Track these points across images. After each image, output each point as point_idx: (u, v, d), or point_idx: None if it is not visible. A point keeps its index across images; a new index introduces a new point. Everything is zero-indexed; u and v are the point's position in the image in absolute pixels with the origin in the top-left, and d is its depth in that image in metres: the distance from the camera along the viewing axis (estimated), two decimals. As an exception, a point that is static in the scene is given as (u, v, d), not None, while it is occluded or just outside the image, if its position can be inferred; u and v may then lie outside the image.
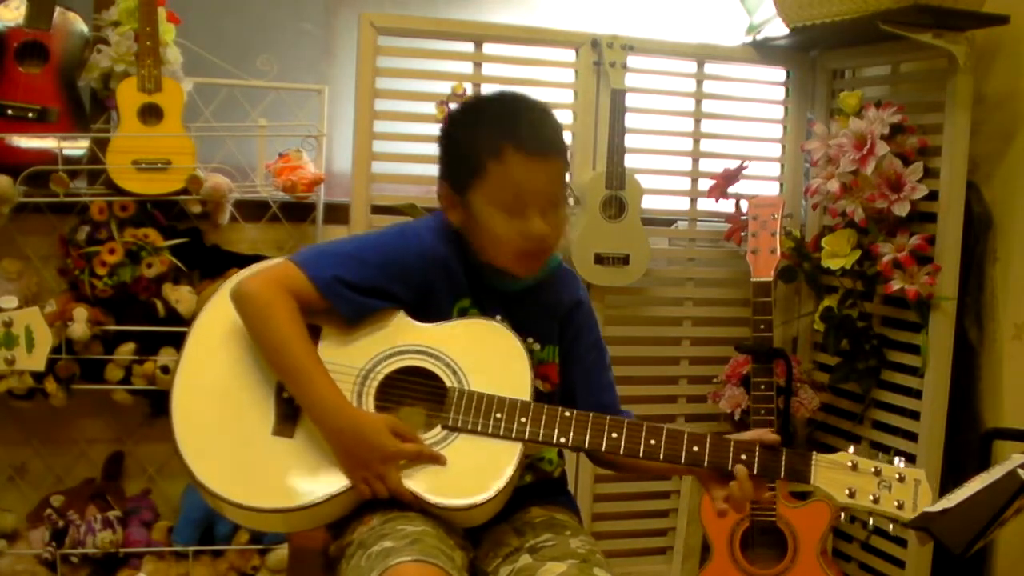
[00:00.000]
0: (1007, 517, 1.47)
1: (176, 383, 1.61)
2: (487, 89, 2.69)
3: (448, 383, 1.59)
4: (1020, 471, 1.46)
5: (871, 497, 1.50)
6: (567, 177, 1.68)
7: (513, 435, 1.55)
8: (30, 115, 2.36)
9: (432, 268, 1.63)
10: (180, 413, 1.58)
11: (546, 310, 1.71)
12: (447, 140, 1.67)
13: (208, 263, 2.58)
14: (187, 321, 2.43)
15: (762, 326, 2.46)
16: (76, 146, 2.42)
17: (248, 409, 1.58)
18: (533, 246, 1.59)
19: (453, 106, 2.60)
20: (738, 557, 2.49)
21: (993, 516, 1.44)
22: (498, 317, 1.66)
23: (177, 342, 2.43)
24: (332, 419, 1.54)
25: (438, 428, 1.57)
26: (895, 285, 2.52)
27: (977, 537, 1.43)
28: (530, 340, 1.68)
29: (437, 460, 1.54)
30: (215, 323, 1.64)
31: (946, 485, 1.52)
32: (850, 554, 2.82)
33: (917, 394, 2.59)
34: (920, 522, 1.46)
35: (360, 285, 1.59)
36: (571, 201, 1.69)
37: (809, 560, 2.45)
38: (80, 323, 2.37)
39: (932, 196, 2.52)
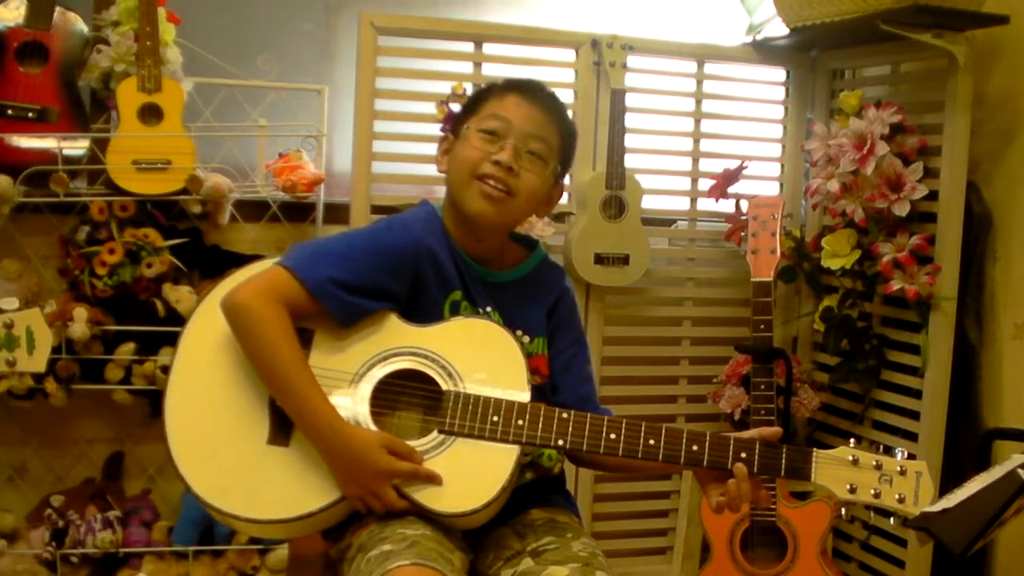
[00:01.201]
0: (1007, 517, 1.47)
1: (169, 392, 1.59)
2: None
3: (443, 386, 1.58)
4: (1020, 471, 1.46)
5: (872, 492, 1.49)
6: (558, 147, 1.70)
7: (510, 438, 1.54)
8: (30, 115, 2.36)
9: (422, 259, 1.63)
10: (174, 423, 1.57)
11: (534, 302, 1.72)
12: (469, 97, 1.77)
13: (208, 263, 2.58)
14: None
15: (762, 326, 2.46)
16: (76, 146, 2.42)
17: (242, 418, 1.57)
18: (494, 172, 1.63)
19: (455, 107, 2.60)
20: (738, 557, 2.49)
21: (993, 516, 1.44)
22: (489, 310, 1.66)
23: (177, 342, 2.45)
24: (325, 438, 1.53)
25: (434, 433, 1.56)
26: (895, 285, 2.52)
27: (977, 537, 1.43)
28: (519, 332, 1.68)
29: (432, 480, 1.53)
30: (206, 330, 1.61)
31: (946, 485, 1.51)
32: (850, 554, 2.82)
33: (917, 394, 2.59)
34: (920, 522, 1.46)
35: (354, 284, 1.58)
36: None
37: (809, 560, 2.44)
38: (80, 323, 2.36)
39: (932, 196, 2.52)
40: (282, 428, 1.56)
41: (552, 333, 1.74)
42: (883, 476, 1.50)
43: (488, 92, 1.71)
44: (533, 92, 1.70)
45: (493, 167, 1.62)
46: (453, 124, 1.74)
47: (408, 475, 1.52)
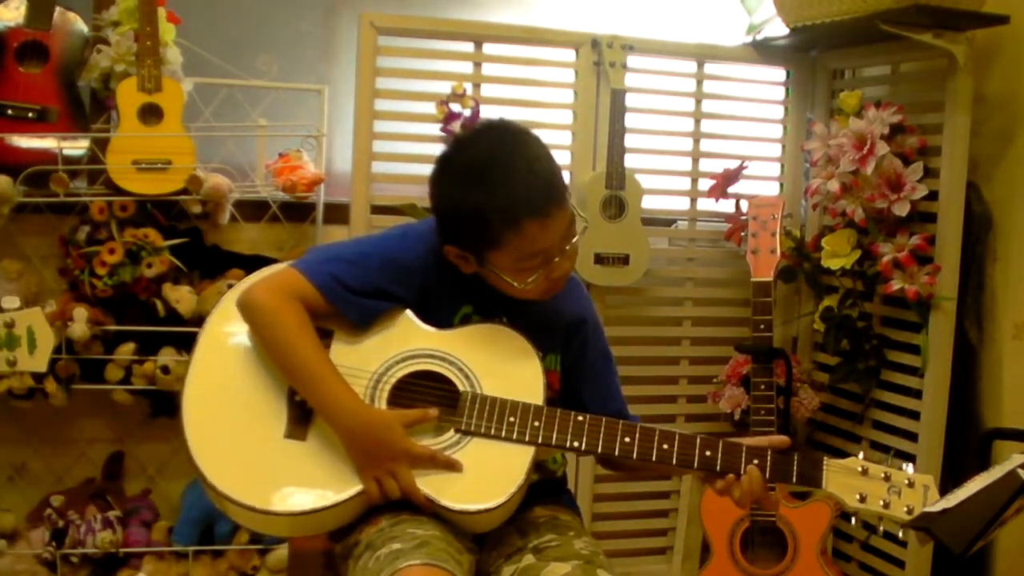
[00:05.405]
0: (1007, 517, 1.47)
1: (187, 387, 1.60)
2: (487, 90, 2.70)
3: (460, 387, 1.59)
4: (1020, 471, 1.46)
5: (882, 503, 1.51)
6: (569, 206, 1.62)
7: (527, 439, 1.55)
8: (30, 115, 2.36)
9: (432, 273, 1.64)
10: (192, 416, 1.57)
11: (548, 319, 1.71)
12: (447, 212, 1.60)
13: (208, 263, 2.58)
14: (187, 321, 2.44)
15: (762, 326, 2.46)
16: (76, 146, 2.42)
17: (261, 412, 1.58)
18: (558, 283, 1.64)
19: (455, 107, 2.59)
20: (738, 557, 2.49)
21: (993, 516, 1.44)
22: (505, 320, 1.67)
23: (177, 342, 2.45)
24: (344, 418, 1.54)
25: (451, 432, 1.56)
26: (895, 285, 2.52)
27: (977, 537, 1.43)
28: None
29: (452, 466, 1.54)
30: (224, 328, 1.63)
31: (946, 485, 1.51)
32: (850, 554, 2.82)
33: (917, 394, 2.59)
34: (920, 522, 1.46)
35: (362, 289, 1.60)
36: (575, 211, 1.66)
37: (809, 560, 2.45)
38: (80, 323, 2.37)
39: (932, 196, 2.52)
40: (299, 423, 1.58)
41: (577, 355, 1.74)
42: (892, 487, 1.51)
43: (497, 224, 1.53)
44: (545, 203, 1.54)
45: (558, 280, 1.63)
46: (464, 247, 1.59)
47: (426, 458, 1.53)
